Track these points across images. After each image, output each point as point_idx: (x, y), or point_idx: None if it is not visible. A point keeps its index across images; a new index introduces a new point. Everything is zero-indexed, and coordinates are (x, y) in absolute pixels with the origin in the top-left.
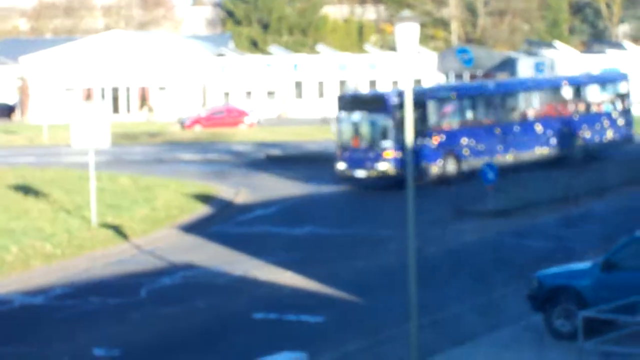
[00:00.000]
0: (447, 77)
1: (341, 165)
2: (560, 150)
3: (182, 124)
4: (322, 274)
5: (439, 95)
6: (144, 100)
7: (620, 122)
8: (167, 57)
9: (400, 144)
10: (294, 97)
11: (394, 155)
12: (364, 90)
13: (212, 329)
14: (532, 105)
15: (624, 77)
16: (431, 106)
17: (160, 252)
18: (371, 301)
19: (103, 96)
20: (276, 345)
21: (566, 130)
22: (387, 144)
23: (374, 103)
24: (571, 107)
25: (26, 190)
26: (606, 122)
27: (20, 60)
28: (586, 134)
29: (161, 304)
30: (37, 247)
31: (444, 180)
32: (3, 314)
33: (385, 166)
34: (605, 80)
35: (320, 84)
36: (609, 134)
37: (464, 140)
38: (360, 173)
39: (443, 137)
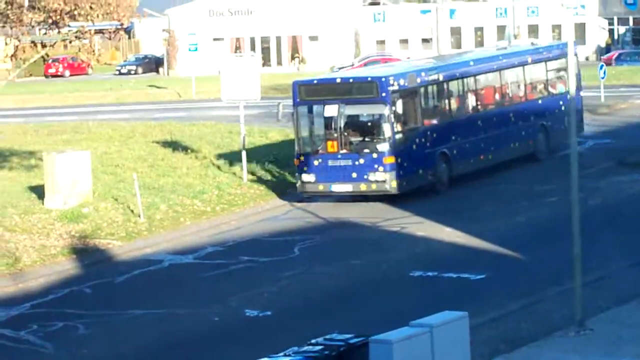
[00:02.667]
0: (610, 23)
1: (307, 177)
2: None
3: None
4: (481, 229)
5: (431, 78)
6: (294, 51)
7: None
8: (318, 5)
9: (401, 146)
10: (450, 44)
11: (394, 160)
12: (522, 37)
13: (367, 288)
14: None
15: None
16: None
17: (313, 209)
18: (532, 257)
19: (252, 47)
20: (435, 304)
21: (533, 116)
22: (384, 146)
23: (361, 90)
24: (539, 88)
25: (174, 146)
26: (563, 107)
27: (167, 12)
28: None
29: (315, 262)
30: (187, 204)
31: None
32: (153, 274)
33: (383, 177)
34: (561, 53)
35: (478, 30)
36: (565, 120)
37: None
38: (341, 188)
39: (434, 135)
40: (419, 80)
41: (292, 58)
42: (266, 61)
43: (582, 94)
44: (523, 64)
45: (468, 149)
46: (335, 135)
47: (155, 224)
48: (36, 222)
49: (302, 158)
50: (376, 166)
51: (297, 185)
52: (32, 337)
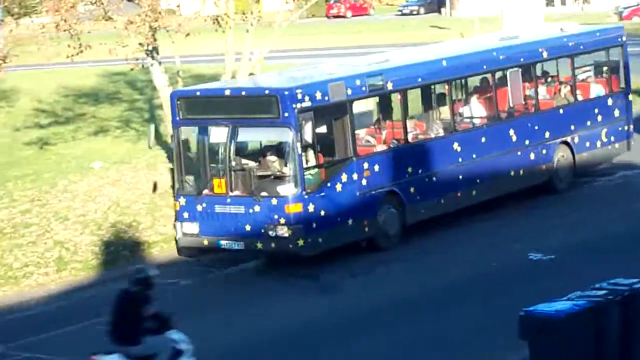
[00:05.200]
0: None
1: (188, 228)
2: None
3: (619, 15)
4: None
5: (372, 86)
6: None
7: (617, 112)
8: None
9: (317, 187)
10: None
11: (301, 209)
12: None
13: None
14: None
15: (618, 36)
16: (359, 108)
17: None
18: None
19: None
20: None
21: (550, 132)
22: (287, 188)
23: (258, 107)
24: (563, 92)
25: None
26: (600, 116)
27: None
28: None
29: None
30: None
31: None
32: None
33: (285, 232)
34: (598, 43)
35: None
36: (603, 136)
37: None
38: (231, 244)
39: (377, 167)
40: (349, 91)
41: None
42: (549, 1)
43: (630, 96)
44: (534, 61)
45: (435, 185)
46: (224, 170)
47: None
48: None
49: (182, 201)
50: (276, 217)
51: (177, 238)
52: None
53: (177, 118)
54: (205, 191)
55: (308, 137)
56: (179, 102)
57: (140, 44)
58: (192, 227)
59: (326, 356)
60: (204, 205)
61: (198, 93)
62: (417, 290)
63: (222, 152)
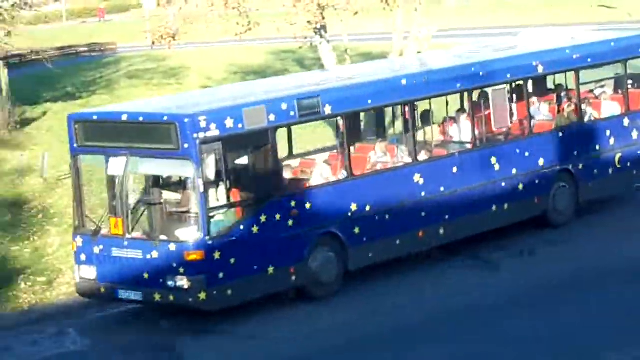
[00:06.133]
0: None
1: (86, 272)
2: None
3: None
4: None
5: (305, 110)
6: None
7: (635, 134)
8: None
9: (227, 230)
10: None
11: (202, 256)
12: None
13: None
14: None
15: None
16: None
17: None
18: None
19: None
20: None
21: (545, 159)
22: (188, 232)
23: (156, 135)
24: (566, 111)
25: None
26: (612, 139)
27: None
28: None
29: None
30: None
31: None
32: None
33: (185, 283)
34: (613, 55)
35: None
36: (617, 162)
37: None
38: (128, 293)
39: (309, 205)
40: (272, 116)
41: None
42: None
43: None
44: (526, 77)
45: (388, 223)
46: (121, 208)
47: None
48: None
49: (79, 241)
50: (175, 265)
51: (75, 282)
52: None
53: (75, 145)
54: (104, 231)
55: (215, 171)
56: (76, 127)
57: (308, 22)
58: (90, 272)
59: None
60: (101, 247)
61: (95, 117)
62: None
63: (118, 187)
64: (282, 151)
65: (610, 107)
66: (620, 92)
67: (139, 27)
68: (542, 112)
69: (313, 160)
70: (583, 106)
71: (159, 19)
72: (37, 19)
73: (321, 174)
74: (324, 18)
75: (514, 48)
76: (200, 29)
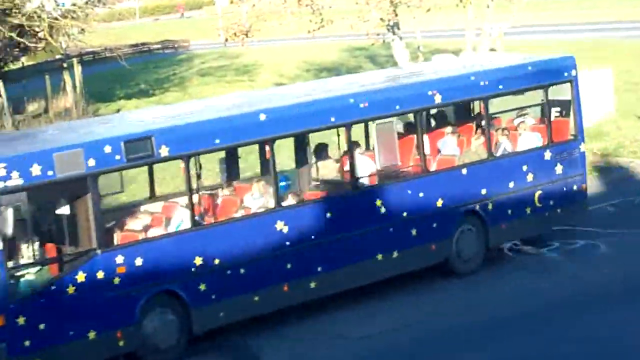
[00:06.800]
0: None
1: None
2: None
3: None
4: None
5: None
6: None
7: (559, 169)
8: None
9: (26, 293)
10: None
11: (2, 322)
12: None
13: None
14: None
15: (565, 69)
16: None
17: None
18: None
19: None
20: None
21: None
22: None
23: None
24: (475, 145)
25: None
26: (530, 175)
27: None
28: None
29: None
30: None
31: None
32: None
33: None
34: (531, 80)
35: None
36: (536, 200)
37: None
38: None
39: (140, 261)
40: (92, 161)
41: None
42: None
43: (583, 147)
44: (420, 108)
45: (244, 278)
46: None
47: None
48: None
49: None
50: None
51: None
52: (554, 254)
53: None
54: None
55: (20, 225)
56: None
57: (381, 19)
58: None
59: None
60: None
61: None
62: None
63: None
64: (143, 192)
65: (529, 139)
66: (543, 122)
67: (211, 25)
68: (448, 146)
69: (176, 203)
70: (500, 138)
71: (232, 16)
72: (110, 16)
73: (182, 219)
74: (396, 15)
75: (413, 76)
76: (273, 26)
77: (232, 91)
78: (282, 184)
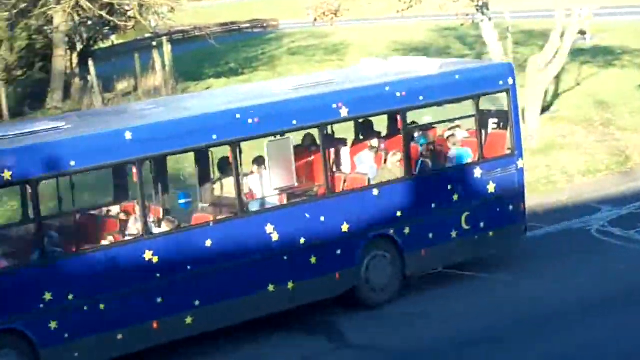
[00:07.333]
0: None
1: None
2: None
3: None
4: None
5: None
6: None
7: (491, 187)
8: None
9: None
10: None
11: None
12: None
13: None
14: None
15: (500, 77)
16: None
17: None
18: None
19: None
20: None
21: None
22: None
23: None
24: (390, 162)
25: None
26: (456, 195)
27: None
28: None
29: None
30: None
31: None
32: None
33: None
34: (459, 90)
35: None
36: (463, 222)
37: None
38: None
39: None
40: None
41: None
42: None
43: (522, 163)
44: (322, 123)
45: (104, 315)
46: None
47: None
48: None
49: None
50: None
51: None
52: None
53: None
54: None
55: None
56: None
57: None
58: None
59: None
60: None
61: None
62: None
63: None
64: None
65: (458, 155)
66: (475, 136)
67: (301, 4)
68: (363, 163)
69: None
70: (424, 153)
71: None
72: None
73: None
74: None
75: (318, 86)
76: (362, 5)
77: (321, 69)
78: (182, 201)
